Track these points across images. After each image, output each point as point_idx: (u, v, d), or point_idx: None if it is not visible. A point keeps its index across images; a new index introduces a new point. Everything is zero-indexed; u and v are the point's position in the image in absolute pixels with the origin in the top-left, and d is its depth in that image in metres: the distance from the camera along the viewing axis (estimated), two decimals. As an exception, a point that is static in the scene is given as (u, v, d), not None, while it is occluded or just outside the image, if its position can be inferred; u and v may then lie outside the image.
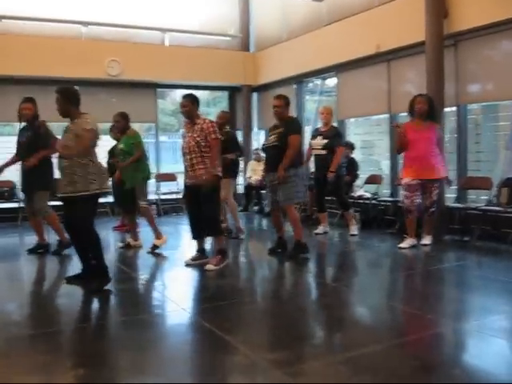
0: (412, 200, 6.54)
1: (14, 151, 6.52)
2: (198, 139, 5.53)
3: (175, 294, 4.98)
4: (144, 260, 6.44)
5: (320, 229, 7.82)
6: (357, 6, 9.02)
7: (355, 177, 8.96)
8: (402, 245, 6.58)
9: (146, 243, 6.81)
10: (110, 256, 6.53)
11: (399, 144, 6.63)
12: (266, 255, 6.33)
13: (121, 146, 6.73)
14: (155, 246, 6.63)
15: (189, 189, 5.76)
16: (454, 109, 7.68)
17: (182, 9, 11.34)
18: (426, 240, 6.68)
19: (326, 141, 7.50)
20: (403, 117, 8.28)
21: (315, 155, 7.66)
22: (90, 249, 4.85)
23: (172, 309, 4.51)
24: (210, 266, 5.53)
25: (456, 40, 7.47)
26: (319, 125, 8.14)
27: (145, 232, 7.09)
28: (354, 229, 7.71)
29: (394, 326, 3.95)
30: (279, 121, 6.15)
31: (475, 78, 7.46)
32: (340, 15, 9.38)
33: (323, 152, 7.51)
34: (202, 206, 5.56)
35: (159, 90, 11.65)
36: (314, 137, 7.76)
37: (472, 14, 7.04)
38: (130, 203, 6.69)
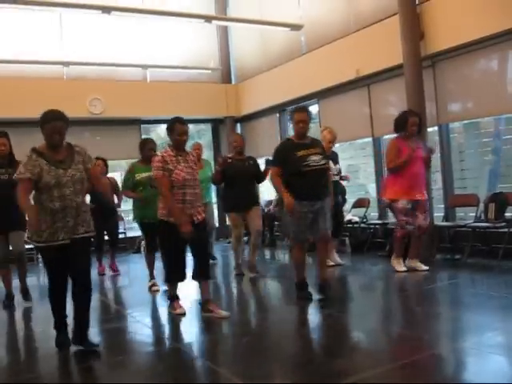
0: (408, 222, 6.25)
1: None
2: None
3: (166, 329, 4.90)
4: (134, 297, 6.32)
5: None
6: (334, 33, 9.17)
7: (343, 202, 8.93)
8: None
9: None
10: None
11: (399, 164, 6.13)
12: (257, 286, 6.23)
13: None
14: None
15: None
16: (436, 128, 7.76)
17: (162, 45, 11.48)
18: (422, 264, 6.36)
19: (338, 166, 7.32)
20: (386, 139, 8.35)
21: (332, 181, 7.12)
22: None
23: (164, 345, 4.42)
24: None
25: (433, 61, 7.59)
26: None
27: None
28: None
29: (392, 350, 3.89)
30: (302, 138, 5.22)
31: (455, 96, 7.56)
32: (318, 43, 9.54)
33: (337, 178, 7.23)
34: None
35: (143, 125, 11.65)
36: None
37: (447, 35, 7.17)
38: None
